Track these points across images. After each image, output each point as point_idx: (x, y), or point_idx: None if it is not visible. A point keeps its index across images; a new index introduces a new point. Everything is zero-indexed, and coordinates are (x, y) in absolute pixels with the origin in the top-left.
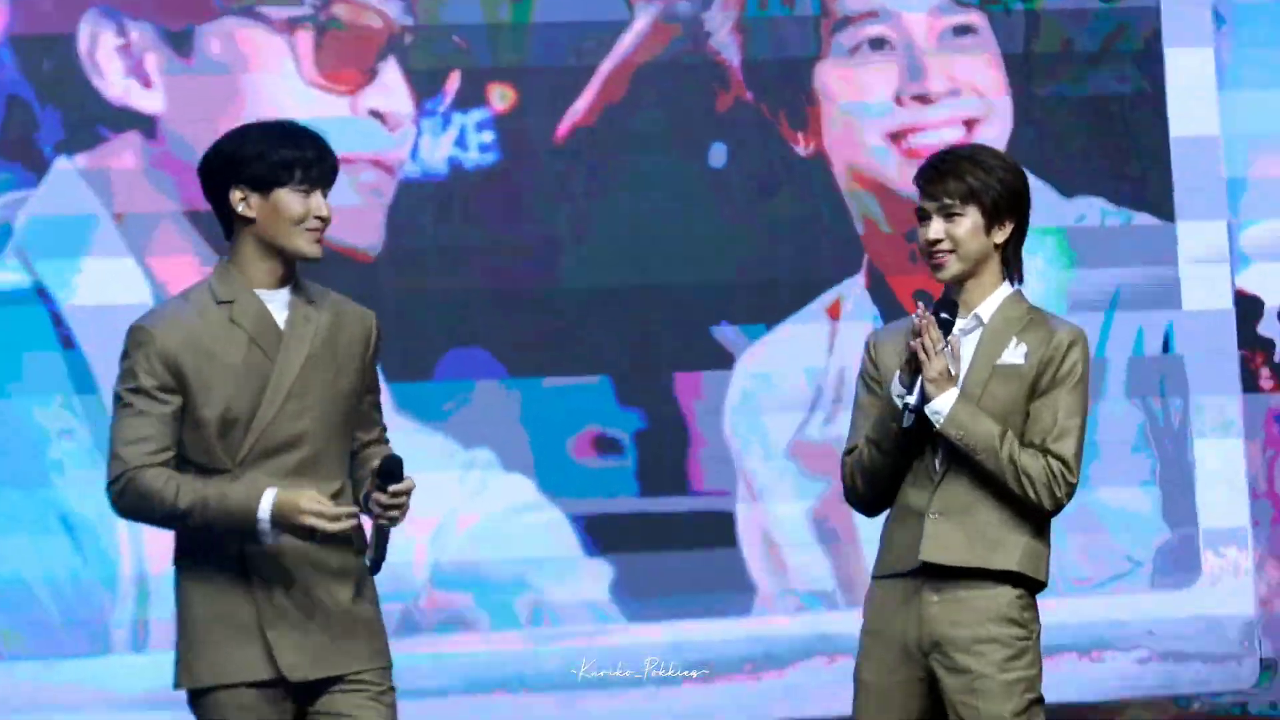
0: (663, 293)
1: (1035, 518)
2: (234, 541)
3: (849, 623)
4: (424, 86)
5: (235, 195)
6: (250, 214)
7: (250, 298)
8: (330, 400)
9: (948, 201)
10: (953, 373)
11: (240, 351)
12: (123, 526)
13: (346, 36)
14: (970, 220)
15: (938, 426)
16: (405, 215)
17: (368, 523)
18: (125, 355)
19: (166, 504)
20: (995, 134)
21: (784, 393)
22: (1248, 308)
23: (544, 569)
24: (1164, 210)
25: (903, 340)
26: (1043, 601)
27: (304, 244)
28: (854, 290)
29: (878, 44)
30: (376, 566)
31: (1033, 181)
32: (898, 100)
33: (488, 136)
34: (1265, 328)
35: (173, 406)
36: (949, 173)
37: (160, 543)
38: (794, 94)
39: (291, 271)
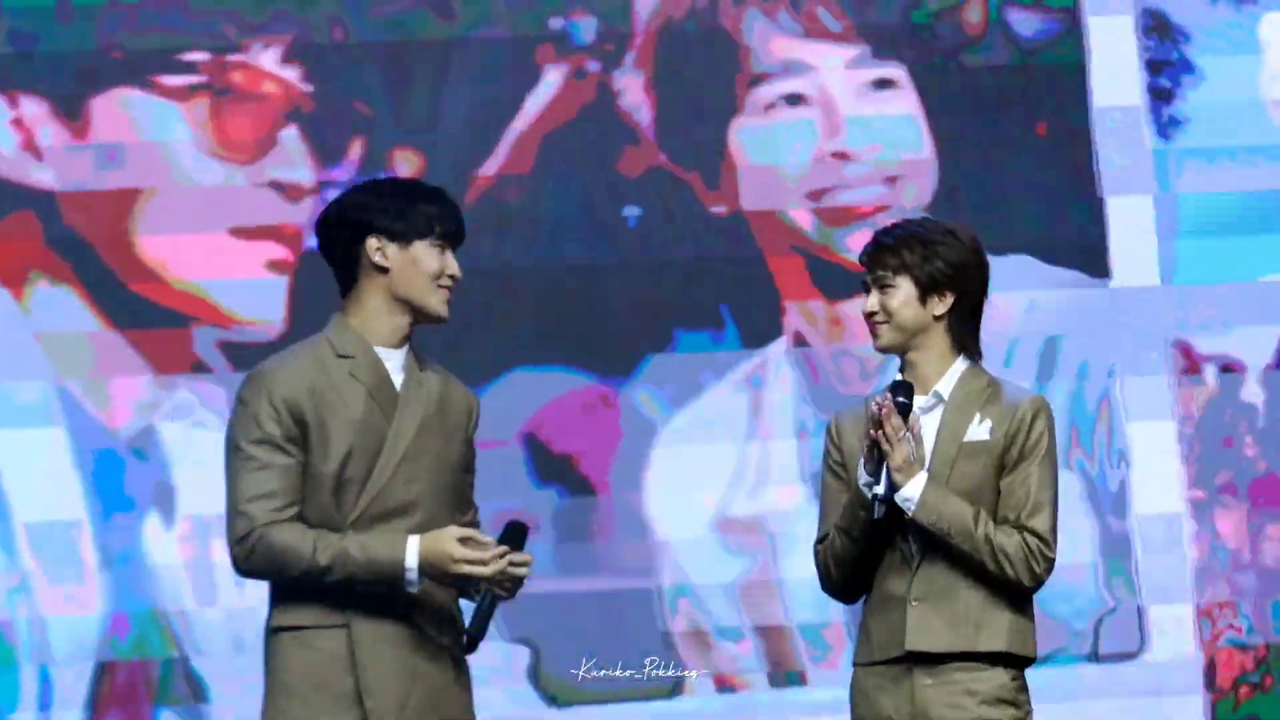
0: (579, 359)
1: (1016, 593)
2: (343, 604)
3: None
4: (326, 154)
5: (371, 244)
6: (385, 264)
7: (370, 354)
8: (440, 469)
9: (880, 273)
10: (916, 457)
11: (360, 408)
12: None
13: (244, 104)
14: (903, 292)
15: (910, 514)
16: (309, 287)
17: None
18: (244, 403)
19: (304, 560)
20: (918, 191)
21: (706, 465)
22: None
23: None
24: (1099, 269)
25: (864, 423)
26: None
27: (436, 302)
28: (775, 356)
29: (794, 100)
30: (473, 644)
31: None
32: (816, 158)
33: None
34: (1247, 394)
35: (297, 459)
36: (886, 247)
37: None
38: (708, 153)
39: (411, 331)
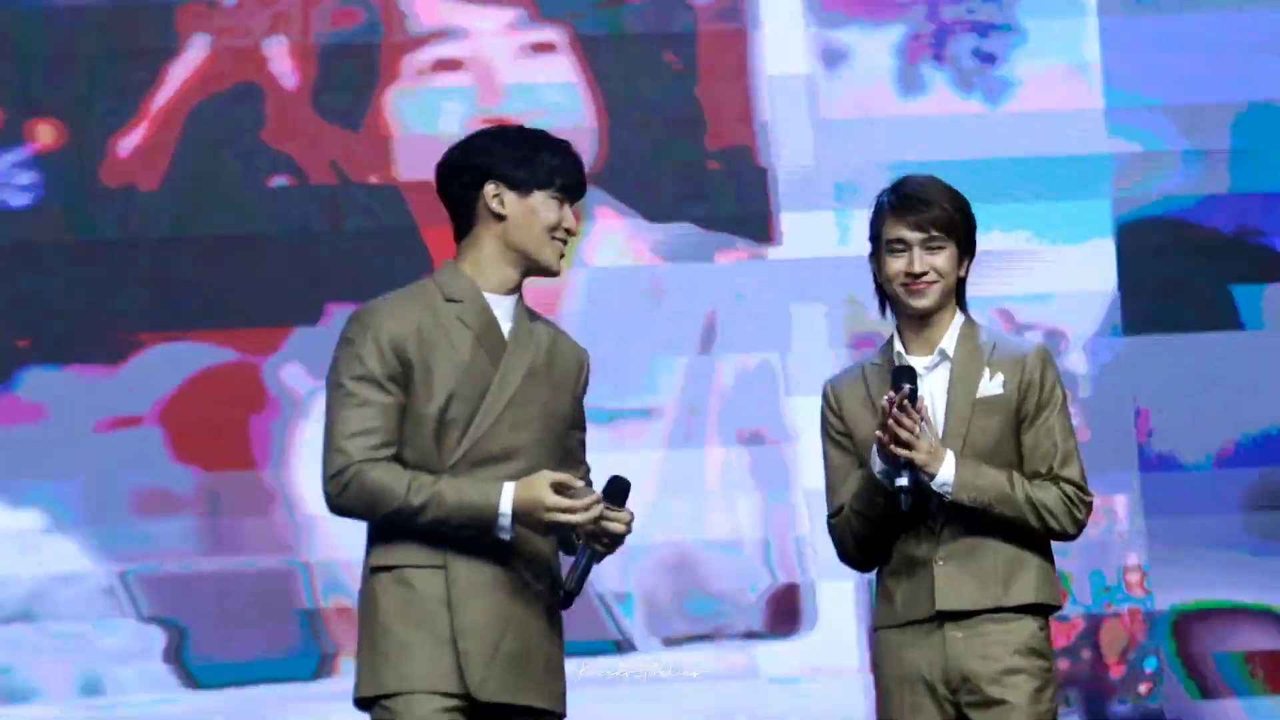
0: (224, 332)
1: (1037, 544)
2: (442, 545)
3: None
4: None
5: (489, 190)
6: (503, 211)
7: (479, 299)
8: (547, 419)
9: (934, 234)
10: (935, 440)
11: (466, 351)
12: None
13: None
14: (949, 253)
15: (949, 498)
16: None
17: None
18: (349, 342)
19: (398, 500)
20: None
21: None
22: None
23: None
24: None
25: (861, 387)
26: None
27: (550, 254)
28: None
29: (450, 65)
30: (570, 599)
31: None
32: (474, 125)
33: (29, 178)
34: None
35: (398, 398)
36: (938, 206)
37: None
38: (361, 121)
39: (521, 282)
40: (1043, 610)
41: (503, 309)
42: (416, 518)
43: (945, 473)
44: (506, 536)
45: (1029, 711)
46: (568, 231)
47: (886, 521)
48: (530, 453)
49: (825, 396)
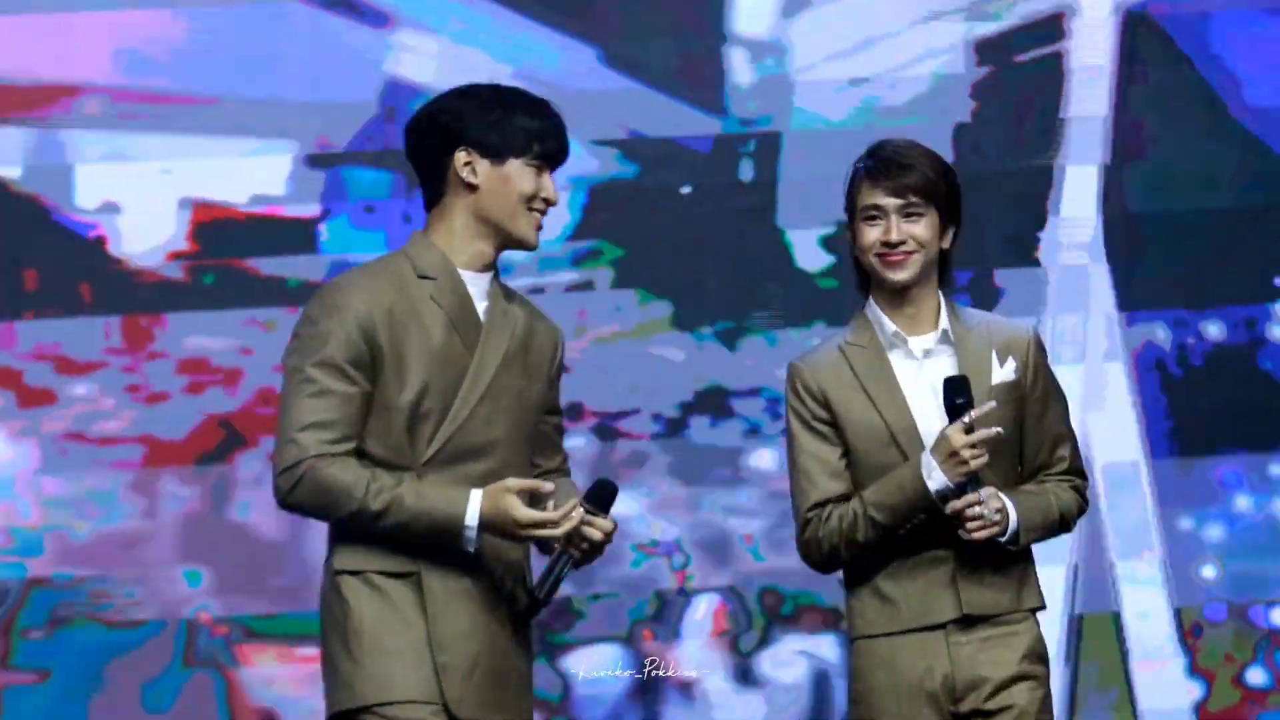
0: None
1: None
2: (412, 552)
3: None
4: None
5: (460, 158)
6: (474, 180)
7: (454, 276)
8: (522, 409)
9: (912, 200)
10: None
11: (440, 335)
12: None
13: None
14: (929, 220)
15: (1015, 546)
16: None
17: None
18: (311, 322)
19: (355, 501)
20: None
21: None
22: None
23: None
24: None
25: (845, 369)
26: None
27: (526, 227)
28: None
29: None
30: (536, 608)
31: None
32: None
33: None
34: None
35: (361, 388)
36: (916, 171)
37: None
38: None
39: (496, 257)
40: (1035, 612)
41: (478, 287)
42: (375, 522)
43: (1011, 520)
44: (471, 549)
45: (1038, 718)
46: (546, 201)
47: (912, 531)
48: (505, 446)
49: (797, 378)
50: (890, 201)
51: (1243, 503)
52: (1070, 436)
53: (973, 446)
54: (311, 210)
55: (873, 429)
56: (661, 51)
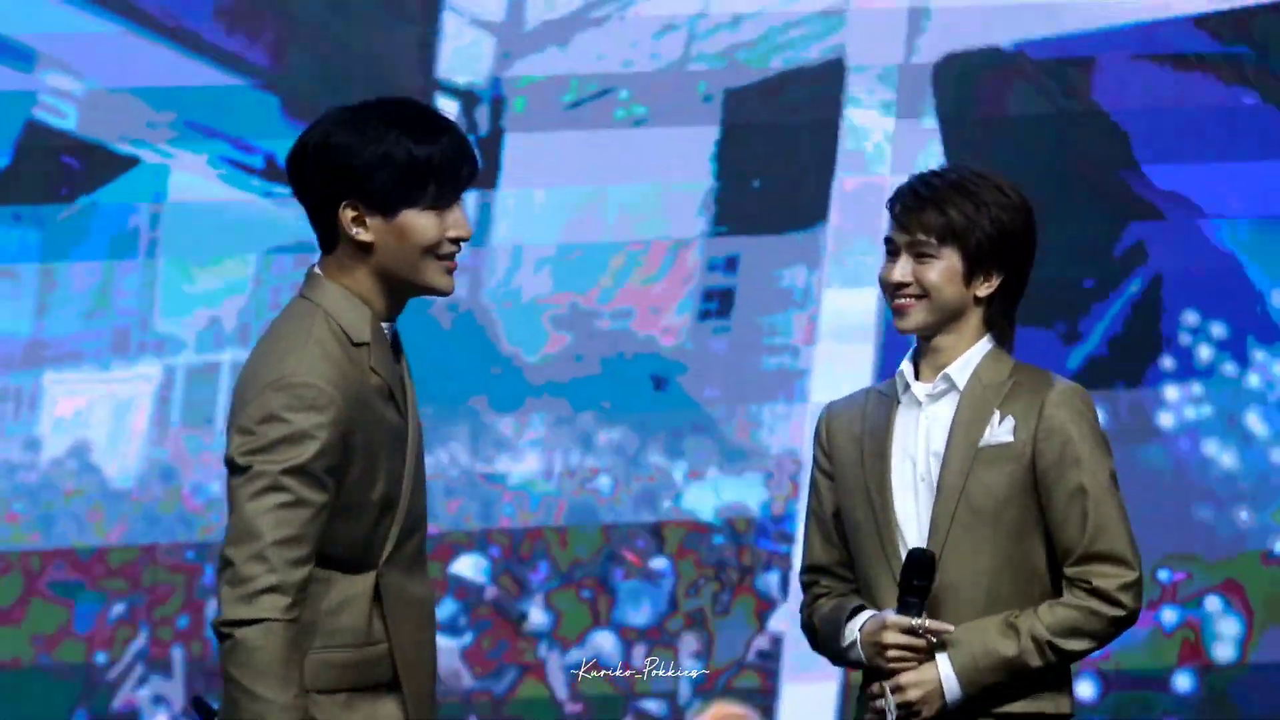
0: None
1: None
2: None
3: None
4: None
5: (347, 215)
6: (367, 238)
7: (381, 337)
8: (423, 465)
9: (921, 237)
10: (933, 647)
11: (386, 411)
12: None
13: None
14: (945, 264)
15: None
16: None
17: None
18: (281, 420)
19: (277, 698)
20: None
21: None
22: None
23: None
24: None
25: (858, 417)
26: None
27: (435, 276)
28: None
29: None
30: None
31: None
32: None
33: None
34: None
35: (330, 494)
36: (929, 202)
37: None
38: None
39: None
40: None
41: (389, 340)
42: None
43: (950, 688)
44: None
45: None
46: (456, 241)
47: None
48: (425, 510)
49: (818, 425)
50: (900, 237)
51: None
52: (1104, 520)
53: (903, 649)
54: None
55: (855, 482)
56: None
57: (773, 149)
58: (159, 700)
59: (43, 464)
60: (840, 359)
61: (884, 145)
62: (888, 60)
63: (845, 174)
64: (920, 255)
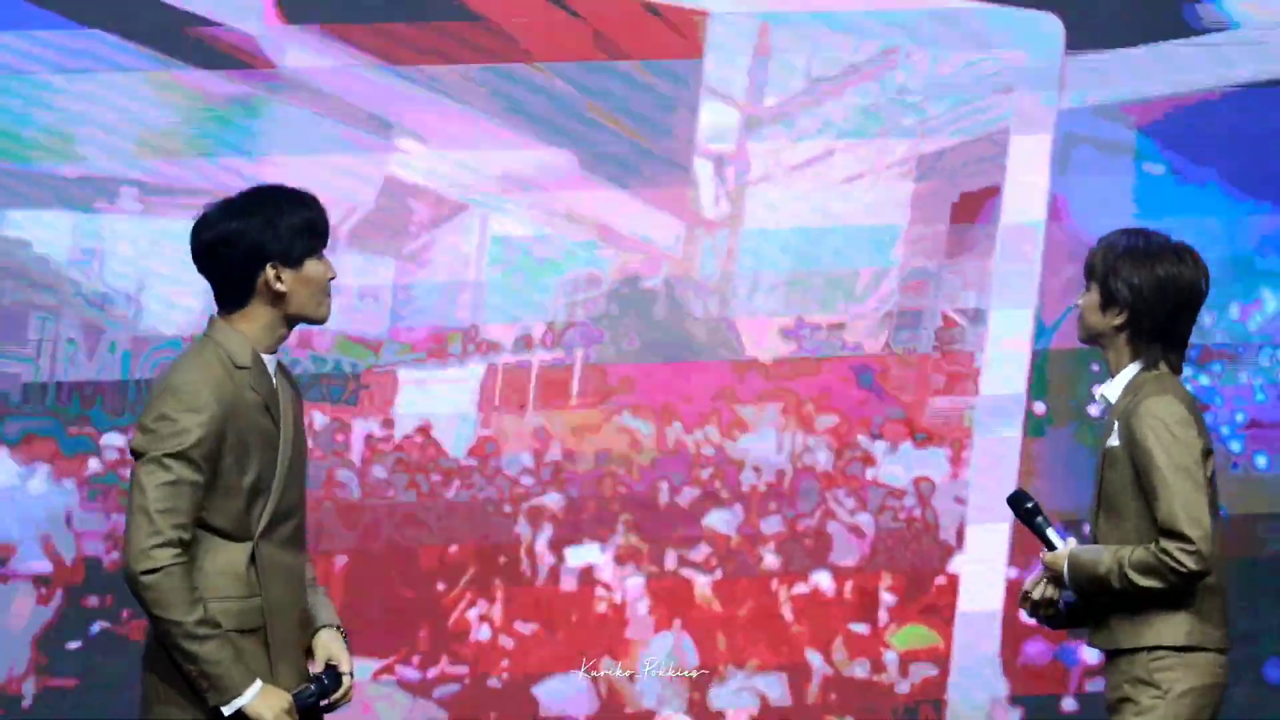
0: None
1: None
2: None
3: None
4: None
5: (268, 274)
6: (283, 289)
7: (261, 364)
8: (304, 465)
9: (1088, 272)
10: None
11: (260, 419)
12: None
13: None
14: (1091, 296)
15: (1072, 591)
16: None
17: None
18: (168, 419)
19: (187, 618)
20: None
21: None
22: None
23: None
24: None
25: None
26: None
27: (326, 309)
28: None
29: None
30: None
31: None
32: None
33: None
34: None
35: (205, 476)
36: (1093, 250)
37: None
38: None
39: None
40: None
41: (271, 365)
42: (185, 640)
43: (1066, 569)
44: (226, 711)
45: None
46: (331, 280)
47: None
48: (301, 502)
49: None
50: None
51: None
52: (1168, 500)
53: (1028, 595)
54: None
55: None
56: None
57: None
58: None
59: None
60: None
61: None
62: None
63: None
64: (1087, 286)
